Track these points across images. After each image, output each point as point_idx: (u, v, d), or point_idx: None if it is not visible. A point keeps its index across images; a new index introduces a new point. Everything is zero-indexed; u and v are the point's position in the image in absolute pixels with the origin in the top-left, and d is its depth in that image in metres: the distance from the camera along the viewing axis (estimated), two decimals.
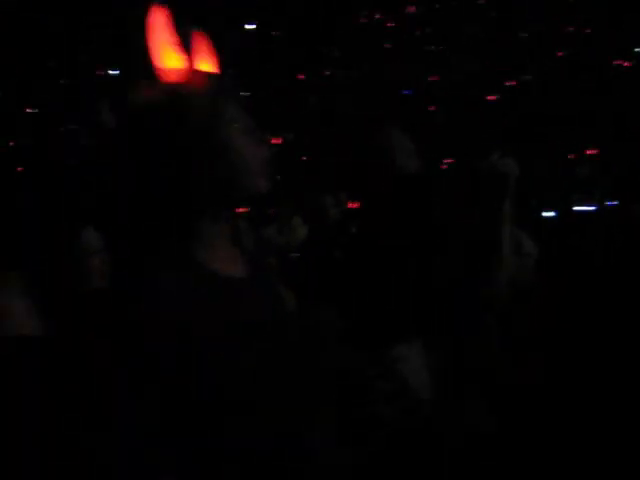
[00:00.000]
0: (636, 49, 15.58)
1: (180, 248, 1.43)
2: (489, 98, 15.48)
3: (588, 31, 16.15)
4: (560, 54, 16.48)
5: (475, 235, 2.07)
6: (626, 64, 15.42)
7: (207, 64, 1.51)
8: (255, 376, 1.40)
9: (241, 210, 1.61)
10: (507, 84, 15.83)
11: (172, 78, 1.43)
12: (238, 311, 1.44)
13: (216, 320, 1.38)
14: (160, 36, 1.42)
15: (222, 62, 1.54)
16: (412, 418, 1.61)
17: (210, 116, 1.42)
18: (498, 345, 2.08)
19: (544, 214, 7.58)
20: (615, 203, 6.59)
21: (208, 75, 1.49)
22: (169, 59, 1.43)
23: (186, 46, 1.48)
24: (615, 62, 14.94)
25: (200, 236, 1.46)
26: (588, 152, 12.22)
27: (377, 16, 19.13)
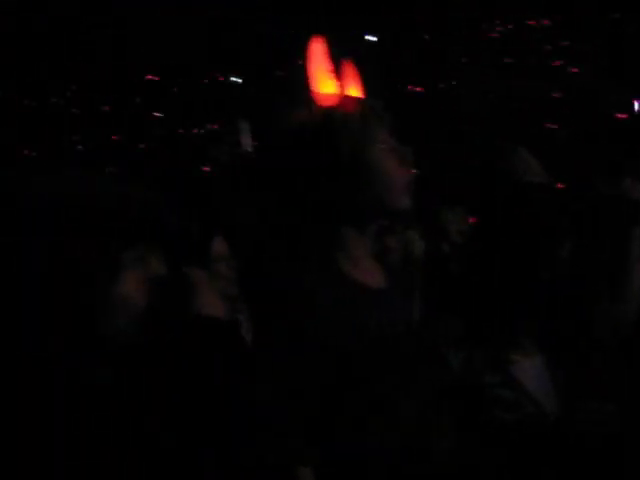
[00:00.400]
0: None
1: (326, 258, 1.56)
2: (619, 116, 15.01)
3: None
4: None
5: (602, 263, 2.07)
6: None
7: (355, 89, 1.63)
8: (392, 383, 1.51)
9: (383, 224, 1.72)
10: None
11: (327, 103, 1.56)
12: (377, 321, 1.55)
13: (357, 328, 1.50)
14: (318, 64, 1.56)
15: (366, 87, 1.67)
16: (534, 425, 1.68)
17: (360, 138, 1.54)
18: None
19: None
20: None
21: (357, 100, 1.61)
22: (325, 85, 1.56)
23: (338, 73, 1.61)
24: None
25: (346, 248, 1.58)
26: None
27: (500, 28, 18.91)
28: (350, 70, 1.63)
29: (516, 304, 1.94)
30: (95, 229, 1.09)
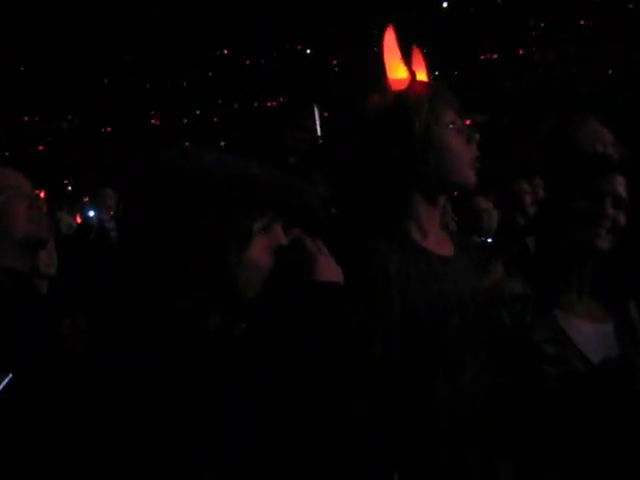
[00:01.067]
0: None
1: (399, 228, 1.71)
2: None
3: None
4: None
5: None
6: None
7: (423, 74, 1.78)
8: (461, 341, 1.66)
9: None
10: None
11: (400, 87, 1.71)
12: (448, 286, 1.70)
13: (432, 293, 1.66)
14: (392, 51, 1.71)
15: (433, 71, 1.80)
16: (577, 380, 1.80)
17: (429, 119, 1.69)
18: None
19: None
20: None
21: (425, 83, 1.75)
22: (397, 71, 1.71)
23: (408, 59, 1.75)
24: None
25: (417, 218, 1.73)
26: None
27: None
28: (418, 56, 1.77)
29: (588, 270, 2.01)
30: (232, 202, 1.29)
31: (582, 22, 17.67)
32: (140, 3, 17.22)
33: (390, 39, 1.72)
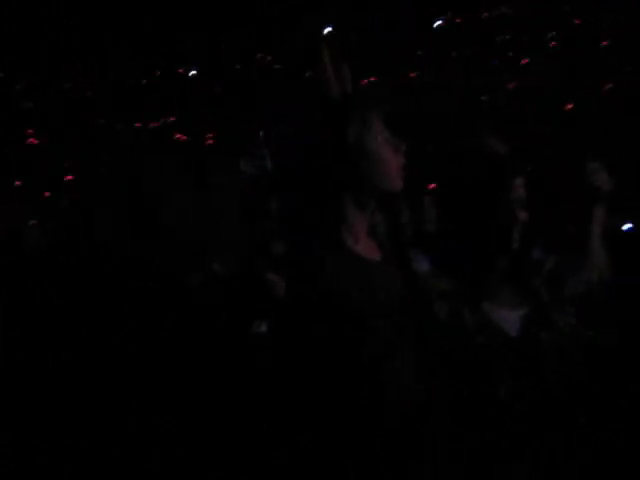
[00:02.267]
0: None
1: (333, 234, 1.82)
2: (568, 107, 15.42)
3: None
4: None
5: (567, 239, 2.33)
6: None
7: (355, 88, 1.90)
8: (391, 338, 1.78)
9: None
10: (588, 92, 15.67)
11: (334, 101, 1.82)
12: (378, 288, 1.82)
13: (362, 294, 1.77)
14: (328, 66, 1.82)
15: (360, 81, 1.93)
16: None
17: (361, 131, 1.81)
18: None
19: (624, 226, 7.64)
20: None
21: (358, 96, 1.87)
22: (333, 85, 1.82)
23: (342, 74, 1.87)
24: None
25: (348, 224, 1.84)
26: None
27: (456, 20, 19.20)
28: (349, 71, 1.89)
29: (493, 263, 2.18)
30: None
31: None
32: None
33: (327, 54, 1.83)
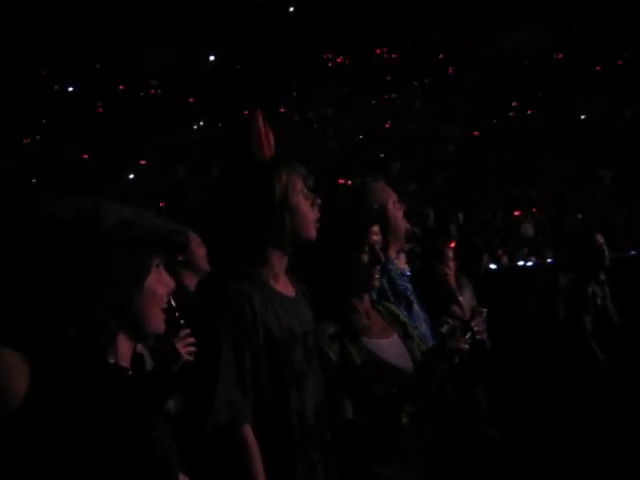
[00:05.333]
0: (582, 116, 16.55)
1: (257, 273, 2.13)
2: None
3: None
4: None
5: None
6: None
7: (281, 151, 2.22)
8: (304, 364, 2.11)
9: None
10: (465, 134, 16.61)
11: (262, 158, 2.14)
12: (294, 321, 2.14)
13: (284, 326, 2.09)
14: (260, 130, 2.13)
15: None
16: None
17: (287, 187, 2.13)
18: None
19: (490, 266, 8.32)
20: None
21: (282, 157, 2.20)
22: (261, 146, 2.14)
23: (269, 137, 2.18)
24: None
25: (271, 265, 2.15)
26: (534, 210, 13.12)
27: (341, 60, 19.95)
28: (274, 136, 2.21)
29: None
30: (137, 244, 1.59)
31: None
32: None
33: (258, 118, 2.15)
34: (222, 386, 2.01)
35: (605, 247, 4.70)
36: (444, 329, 2.43)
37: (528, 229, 12.53)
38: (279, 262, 2.19)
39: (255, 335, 2.05)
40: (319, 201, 2.22)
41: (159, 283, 1.56)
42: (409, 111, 17.72)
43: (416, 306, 3.11)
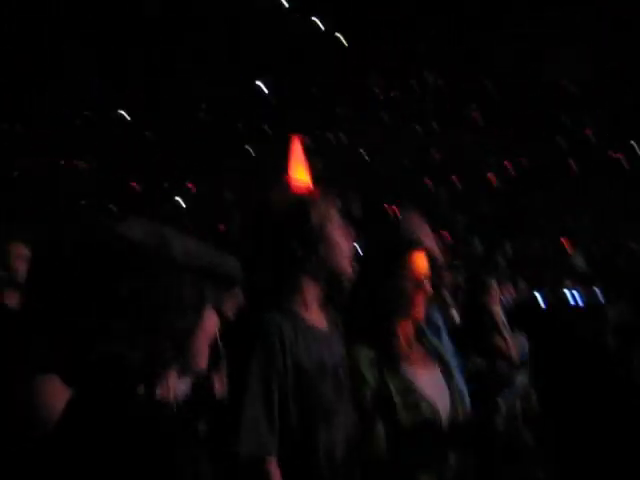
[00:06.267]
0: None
1: (289, 303, 2.10)
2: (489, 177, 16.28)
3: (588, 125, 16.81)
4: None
5: None
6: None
7: (317, 179, 2.21)
8: (334, 396, 2.06)
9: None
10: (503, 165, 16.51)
11: (300, 190, 2.12)
12: (325, 352, 2.10)
13: (314, 357, 2.04)
14: (297, 158, 2.11)
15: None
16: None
17: (323, 218, 2.10)
18: None
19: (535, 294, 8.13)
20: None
21: (319, 188, 2.18)
22: (301, 175, 2.12)
23: (307, 167, 2.17)
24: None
25: (303, 296, 2.12)
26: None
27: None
28: (314, 163, 2.20)
29: None
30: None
31: None
32: None
33: (297, 147, 2.14)
34: (248, 418, 1.98)
35: None
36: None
37: (579, 262, 12.29)
38: (312, 293, 2.16)
39: (284, 367, 2.02)
40: (354, 233, 2.20)
41: (210, 319, 1.53)
42: (455, 140, 17.65)
43: (445, 336, 3.07)
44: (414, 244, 2.53)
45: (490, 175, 16.41)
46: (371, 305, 2.39)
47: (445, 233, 12.58)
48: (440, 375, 2.45)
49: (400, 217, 3.14)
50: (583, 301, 7.38)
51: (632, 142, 16.34)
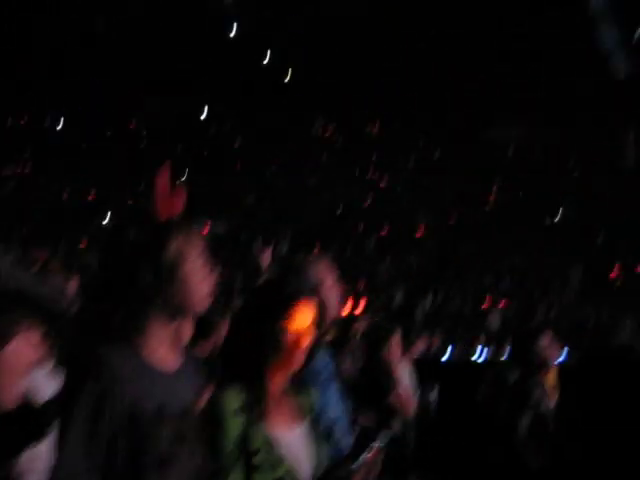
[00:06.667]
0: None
1: (131, 342, 1.97)
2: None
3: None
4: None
5: None
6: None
7: (181, 211, 2.11)
8: (172, 448, 1.94)
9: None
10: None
11: (159, 220, 2.02)
12: (167, 398, 1.97)
13: (152, 403, 1.92)
14: (162, 190, 2.01)
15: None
16: None
17: (178, 255, 1.99)
18: None
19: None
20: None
21: (181, 222, 2.08)
22: (167, 207, 2.02)
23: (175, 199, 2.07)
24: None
25: (148, 336, 1.99)
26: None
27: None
28: (179, 194, 2.10)
29: None
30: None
31: None
32: None
33: (163, 180, 2.03)
34: (68, 455, 1.84)
35: (549, 350, 4.68)
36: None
37: (494, 321, 12.44)
38: (161, 332, 2.03)
39: (115, 408, 1.87)
40: (216, 272, 2.09)
41: (21, 348, 1.44)
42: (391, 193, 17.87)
43: (333, 386, 2.97)
44: (305, 293, 2.44)
45: (420, 226, 16.61)
46: (245, 352, 2.30)
47: (364, 282, 12.66)
48: (307, 433, 2.35)
49: (306, 262, 3.06)
50: (486, 358, 7.48)
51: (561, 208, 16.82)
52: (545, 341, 4.70)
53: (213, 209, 14.26)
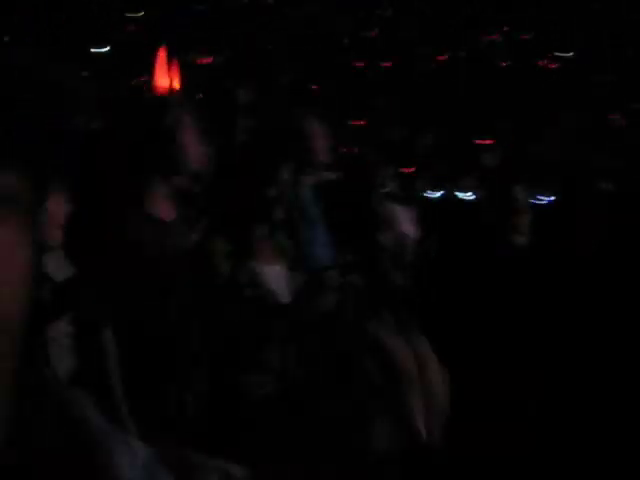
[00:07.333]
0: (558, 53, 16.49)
1: (138, 200, 2.35)
2: None
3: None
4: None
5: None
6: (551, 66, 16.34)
7: (177, 83, 2.42)
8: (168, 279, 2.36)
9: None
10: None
11: (160, 92, 2.33)
12: (169, 240, 2.38)
13: (157, 245, 2.32)
14: (161, 66, 2.31)
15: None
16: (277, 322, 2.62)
17: (175, 119, 2.32)
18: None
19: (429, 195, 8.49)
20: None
21: (179, 91, 2.39)
22: (161, 80, 2.32)
23: (169, 71, 2.37)
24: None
25: (153, 193, 2.37)
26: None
27: None
28: (175, 69, 2.40)
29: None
30: None
31: None
32: None
33: (162, 57, 2.34)
34: None
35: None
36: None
37: (489, 159, 12.63)
38: (161, 190, 2.42)
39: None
40: (206, 137, 2.43)
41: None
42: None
43: (320, 227, 3.30)
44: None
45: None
46: (231, 205, 2.66)
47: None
48: (285, 272, 2.78)
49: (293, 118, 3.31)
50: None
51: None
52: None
53: (212, 39, 14.06)
